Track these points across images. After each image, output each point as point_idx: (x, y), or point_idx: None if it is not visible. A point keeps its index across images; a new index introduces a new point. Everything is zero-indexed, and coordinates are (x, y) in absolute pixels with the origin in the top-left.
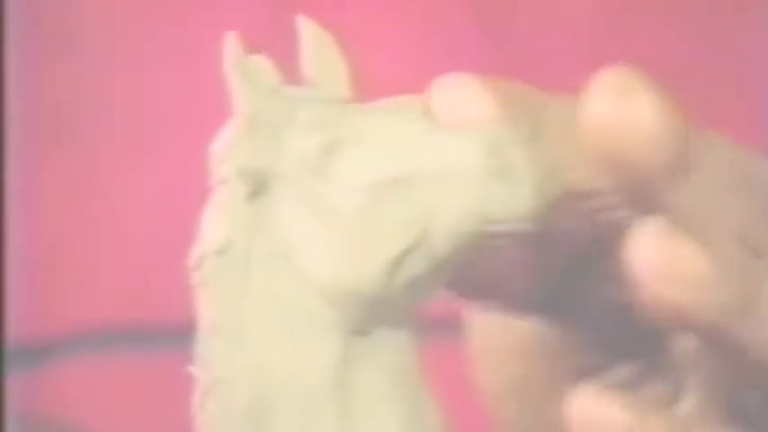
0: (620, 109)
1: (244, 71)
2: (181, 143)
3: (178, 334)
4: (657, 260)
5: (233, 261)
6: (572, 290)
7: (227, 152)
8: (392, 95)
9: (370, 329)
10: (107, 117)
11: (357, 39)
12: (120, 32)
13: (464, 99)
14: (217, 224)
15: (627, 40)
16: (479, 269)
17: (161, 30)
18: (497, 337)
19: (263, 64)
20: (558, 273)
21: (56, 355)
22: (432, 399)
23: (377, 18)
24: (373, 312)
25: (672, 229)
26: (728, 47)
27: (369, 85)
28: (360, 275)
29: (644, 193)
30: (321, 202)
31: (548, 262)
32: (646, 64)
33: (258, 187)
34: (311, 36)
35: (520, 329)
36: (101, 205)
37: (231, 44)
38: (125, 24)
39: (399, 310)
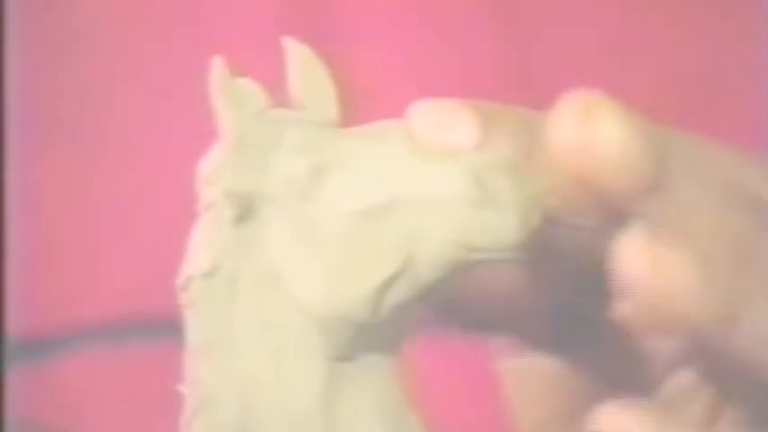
0: (586, 131)
1: (230, 94)
2: (181, 138)
3: (182, 327)
4: (644, 267)
5: (219, 284)
6: (584, 318)
7: (214, 175)
8: (405, 95)
9: (355, 355)
10: (108, 113)
11: (369, 37)
12: (121, 31)
13: (447, 122)
14: (204, 247)
15: (638, 36)
16: (487, 302)
17: (161, 28)
18: (523, 381)
19: (249, 86)
20: (568, 299)
21: (58, 349)
22: (418, 424)
23: (388, 19)
24: (358, 337)
25: (657, 237)
26: (730, 47)
27: (381, 85)
28: (345, 301)
29: (616, 212)
30: (308, 227)
31: (555, 285)
32: (656, 60)
33: (245, 210)
34: (299, 58)
35: (543, 374)
36: (102, 199)
37: (217, 68)
38: (125, 23)
39: (384, 335)
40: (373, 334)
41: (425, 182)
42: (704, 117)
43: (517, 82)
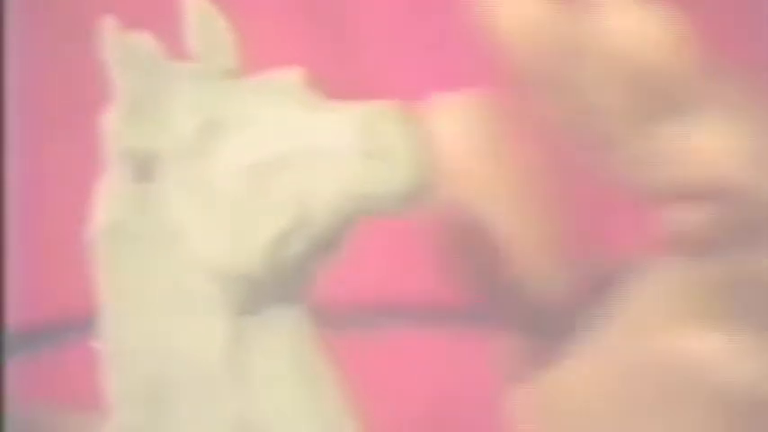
0: (635, 16)
1: (120, 49)
2: None
3: None
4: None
5: (124, 240)
6: None
7: (110, 134)
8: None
9: (259, 309)
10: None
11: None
12: (122, 23)
13: None
14: (108, 203)
15: None
16: None
17: (161, 26)
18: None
19: (142, 40)
20: None
21: (58, 340)
22: (332, 375)
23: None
24: (261, 292)
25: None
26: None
27: (383, 82)
28: (241, 257)
29: (666, 100)
30: (203, 184)
31: None
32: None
33: (142, 169)
34: (195, 8)
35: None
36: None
37: (108, 25)
38: (125, 22)
39: (288, 288)
40: (276, 288)
41: (318, 133)
42: None
43: None
